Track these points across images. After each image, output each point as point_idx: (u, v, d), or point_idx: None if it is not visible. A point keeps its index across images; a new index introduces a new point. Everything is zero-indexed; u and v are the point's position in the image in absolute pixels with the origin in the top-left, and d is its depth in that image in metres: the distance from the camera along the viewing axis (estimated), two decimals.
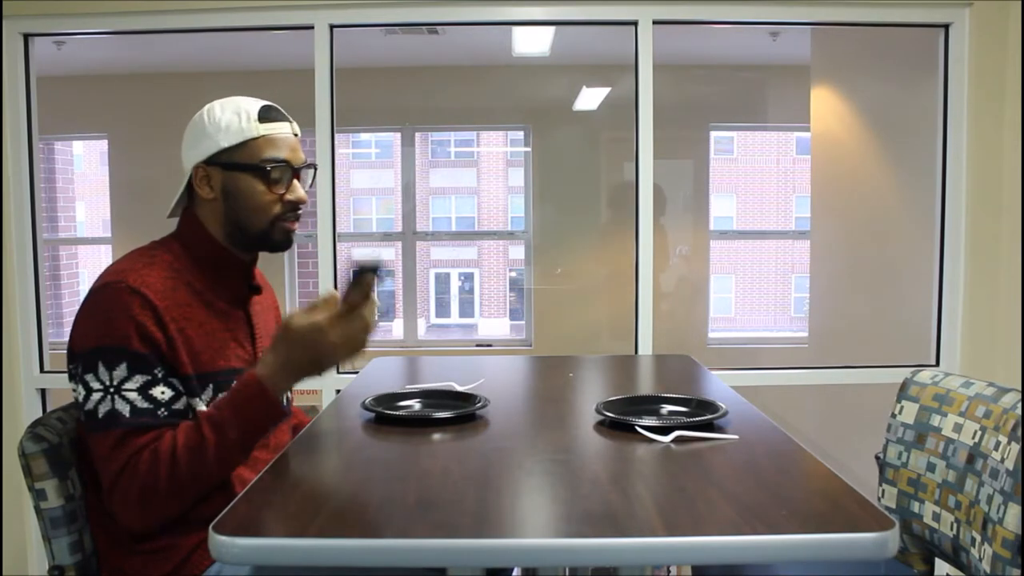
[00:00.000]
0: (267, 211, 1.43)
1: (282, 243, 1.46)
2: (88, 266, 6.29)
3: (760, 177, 12.36)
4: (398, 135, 6.19)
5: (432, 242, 12.43)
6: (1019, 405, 1.41)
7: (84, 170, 8.30)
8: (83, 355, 1.31)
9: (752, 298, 12.48)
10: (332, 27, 2.54)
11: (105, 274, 1.37)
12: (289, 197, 1.44)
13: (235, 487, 1.39)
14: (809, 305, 6.01)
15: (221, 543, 0.92)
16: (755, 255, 12.33)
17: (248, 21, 2.58)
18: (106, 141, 5.55)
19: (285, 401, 1.42)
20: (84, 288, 6.02)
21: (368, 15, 2.60)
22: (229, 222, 1.44)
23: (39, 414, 2.54)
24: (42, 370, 2.62)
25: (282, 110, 1.47)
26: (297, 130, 1.48)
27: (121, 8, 2.54)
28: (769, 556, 0.96)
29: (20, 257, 2.58)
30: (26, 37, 2.56)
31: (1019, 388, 1.45)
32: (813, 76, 4.30)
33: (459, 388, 1.61)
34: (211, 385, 1.40)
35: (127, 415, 1.29)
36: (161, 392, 1.32)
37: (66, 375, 1.36)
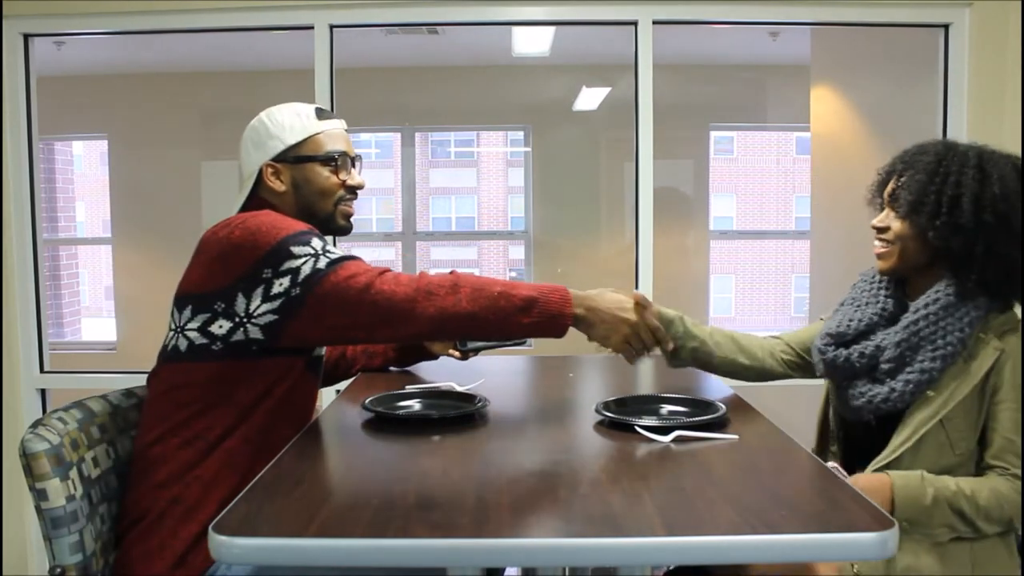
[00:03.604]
0: (332, 195, 1.59)
1: (344, 227, 1.62)
2: (88, 266, 6.28)
3: (760, 177, 12.37)
4: (398, 135, 6.20)
5: (432, 242, 12.43)
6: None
7: (84, 170, 8.31)
8: (266, 256, 1.35)
9: (752, 298, 12.48)
10: (332, 27, 2.54)
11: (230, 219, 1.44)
12: (351, 182, 1.61)
13: (234, 485, 1.39)
14: (809, 305, 6.01)
15: (221, 543, 0.92)
16: (755, 255, 12.33)
17: (248, 21, 2.58)
18: (106, 141, 5.55)
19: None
20: (85, 288, 6.01)
21: (368, 15, 2.60)
22: (300, 210, 1.57)
23: (39, 414, 2.53)
24: (42, 370, 2.62)
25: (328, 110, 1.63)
26: (345, 125, 1.65)
27: (121, 8, 2.54)
28: (769, 556, 0.96)
29: (20, 257, 2.58)
30: (26, 37, 2.56)
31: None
32: (813, 76, 4.31)
33: (459, 388, 1.61)
34: None
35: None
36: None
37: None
